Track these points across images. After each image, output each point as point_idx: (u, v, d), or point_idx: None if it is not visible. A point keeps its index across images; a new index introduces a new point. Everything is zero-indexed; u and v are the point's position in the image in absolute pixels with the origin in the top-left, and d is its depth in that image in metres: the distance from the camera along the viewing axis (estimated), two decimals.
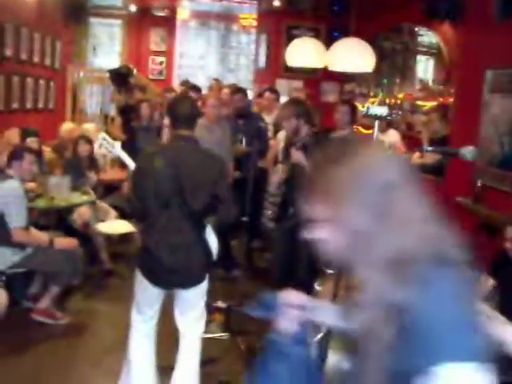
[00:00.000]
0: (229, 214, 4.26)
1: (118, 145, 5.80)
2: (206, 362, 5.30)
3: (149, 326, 4.49)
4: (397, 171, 1.62)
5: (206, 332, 5.69)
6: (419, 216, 1.62)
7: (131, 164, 5.31)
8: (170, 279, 4.22)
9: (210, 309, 6.03)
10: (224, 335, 5.84)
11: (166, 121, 6.71)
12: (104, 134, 6.02)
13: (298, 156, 5.71)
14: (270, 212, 6.59)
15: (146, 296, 4.37)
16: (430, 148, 3.36)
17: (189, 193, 4.06)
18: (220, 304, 6.13)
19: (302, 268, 5.84)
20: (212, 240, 4.34)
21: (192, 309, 4.42)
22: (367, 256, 1.60)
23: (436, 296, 1.47)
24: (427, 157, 7.17)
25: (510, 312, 2.35)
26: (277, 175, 6.25)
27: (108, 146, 5.75)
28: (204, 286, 4.35)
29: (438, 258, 1.53)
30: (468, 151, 2.72)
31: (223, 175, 4.26)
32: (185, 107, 4.31)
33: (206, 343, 5.55)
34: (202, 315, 4.53)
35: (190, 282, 4.26)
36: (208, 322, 5.86)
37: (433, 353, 1.43)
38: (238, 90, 8.49)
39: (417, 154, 7.53)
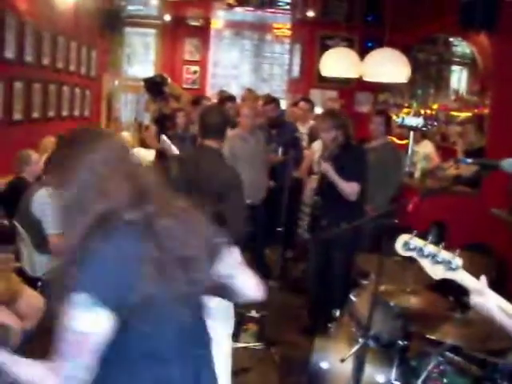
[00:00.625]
0: (235, 231, 4.24)
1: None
2: (239, 371, 5.31)
3: None
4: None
5: (239, 341, 5.76)
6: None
7: None
8: None
9: (244, 318, 6.06)
10: (258, 345, 5.82)
11: None
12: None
13: (325, 166, 5.71)
14: (305, 222, 6.58)
15: None
16: (469, 160, 3.31)
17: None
18: (254, 314, 6.13)
19: (337, 279, 5.85)
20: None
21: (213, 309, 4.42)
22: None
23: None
24: (462, 168, 7.13)
25: None
26: (310, 185, 6.27)
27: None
28: None
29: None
30: (508, 164, 2.69)
31: (233, 189, 4.25)
32: (215, 117, 4.33)
33: (240, 353, 5.60)
34: (227, 316, 4.48)
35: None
36: (242, 332, 5.91)
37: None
38: (271, 100, 8.52)
39: (453, 165, 7.49)
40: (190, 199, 3.99)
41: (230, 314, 4.50)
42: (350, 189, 5.69)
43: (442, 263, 2.47)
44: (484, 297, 2.45)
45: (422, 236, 2.54)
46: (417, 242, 2.52)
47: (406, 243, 2.53)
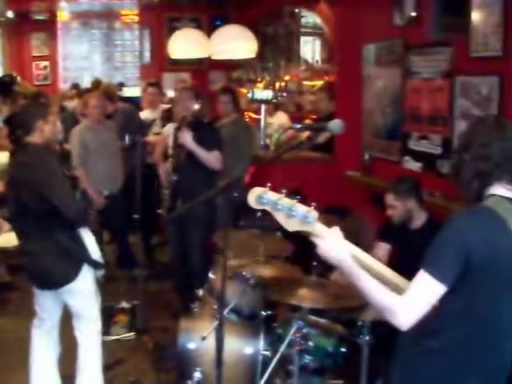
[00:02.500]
0: (70, 213, 4.21)
1: None
2: (114, 363, 5.27)
3: (45, 329, 4.52)
4: None
5: (111, 334, 5.69)
6: None
7: None
8: (36, 281, 4.38)
9: (114, 310, 5.98)
10: (130, 335, 5.77)
11: None
12: None
13: (185, 136, 5.68)
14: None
15: (35, 296, 4.49)
16: (299, 125, 3.35)
17: (24, 198, 4.13)
18: (124, 304, 6.06)
19: (195, 257, 5.87)
20: (87, 239, 4.33)
21: (77, 310, 4.42)
22: None
23: None
24: (319, 136, 7.27)
25: (407, 273, 2.42)
26: (165, 168, 6.21)
27: None
28: (79, 287, 4.30)
29: None
30: (334, 124, 2.72)
31: (48, 176, 4.19)
32: (29, 114, 4.33)
33: (113, 345, 5.54)
34: (91, 317, 4.47)
35: (49, 283, 4.32)
36: (113, 324, 5.84)
37: None
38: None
39: (290, 132, 7.63)
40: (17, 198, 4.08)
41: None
42: (212, 157, 5.71)
43: (296, 216, 2.42)
44: (338, 246, 2.47)
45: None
46: (271, 195, 2.46)
47: (259, 197, 2.46)
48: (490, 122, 2.62)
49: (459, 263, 2.33)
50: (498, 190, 2.46)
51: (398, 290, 2.41)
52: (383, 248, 4.74)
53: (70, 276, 4.24)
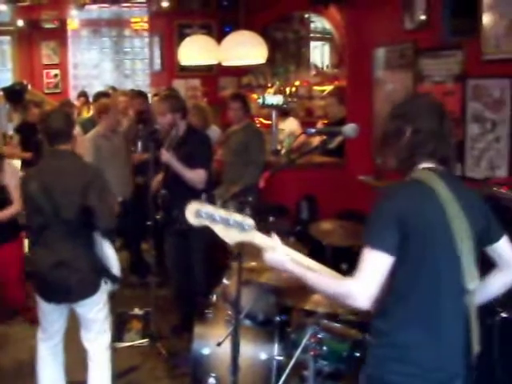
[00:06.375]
0: (107, 224, 4.20)
1: None
2: (128, 370, 5.28)
3: (52, 344, 4.44)
4: None
5: (125, 340, 5.70)
6: None
7: None
8: (55, 294, 4.22)
9: (127, 317, 5.98)
10: (143, 342, 5.76)
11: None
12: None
13: (166, 157, 5.53)
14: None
15: (43, 312, 4.35)
16: (313, 130, 3.35)
17: (62, 207, 4.06)
18: (137, 311, 6.07)
19: (197, 266, 5.82)
20: (109, 253, 4.30)
21: (92, 322, 4.36)
22: None
23: None
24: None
25: None
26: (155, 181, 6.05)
27: None
28: (96, 300, 4.28)
29: None
30: (349, 128, 2.74)
31: (94, 183, 4.18)
32: (59, 121, 4.25)
33: (126, 352, 5.55)
34: (103, 328, 4.45)
35: (72, 295, 4.23)
36: (126, 331, 5.84)
37: None
38: (138, 95, 8.44)
39: (302, 137, 7.62)
40: (53, 206, 3.97)
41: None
42: (196, 176, 5.51)
43: (234, 226, 2.50)
44: (277, 252, 2.57)
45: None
46: (207, 208, 2.52)
47: (197, 211, 2.52)
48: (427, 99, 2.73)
49: (396, 232, 2.42)
50: (425, 163, 2.59)
51: None
52: None
53: (94, 289, 4.23)
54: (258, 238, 2.57)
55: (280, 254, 2.58)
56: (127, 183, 7.11)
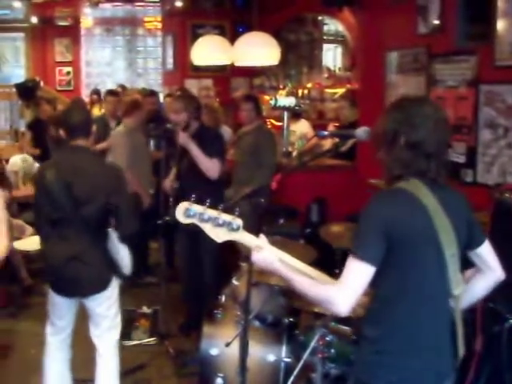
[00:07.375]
0: (127, 227, 4.22)
1: None
2: (136, 368, 5.28)
3: (60, 338, 4.44)
4: None
5: (132, 339, 5.71)
6: None
7: None
8: (68, 288, 4.23)
9: (135, 315, 6.00)
10: (151, 340, 5.78)
11: None
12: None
13: (183, 137, 5.49)
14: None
15: (54, 305, 4.35)
16: (326, 132, 3.37)
17: (82, 203, 4.04)
18: (145, 309, 6.08)
19: (208, 266, 5.81)
20: (124, 253, 4.31)
21: (102, 318, 4.37)
22: None
23: None
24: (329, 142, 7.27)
25: None
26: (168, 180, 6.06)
27: None
28: (108, 295, 4.28)
29: None
30: (362, 132, 2.76)
31: (119, 185, 4.21)
32: (79, 116, 4.24)
33: (134, 350, 5.56)
34: (113, 325, 4.45)
35: (84, 290, 4.23)
36: (134, 329, 5.86)
37: None
38: (150, 94, 8.46)
39: (314, 140, 7.62)
40: (72, 201, 3.96)
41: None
42: (210, 164, 5.52)
43: (223, 225, 2.56)
44: (264, 252, 2.60)
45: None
46: (196, 208, 2.59)
47: (186, 210, 2.60)
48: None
49: (382, 241, 2.45)
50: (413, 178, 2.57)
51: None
52: None
53: (105, 284, 4.23)
54: (246, 238, 2.62)
55: (267, 254, 2.61)
56: (151, 180, 7.13)
